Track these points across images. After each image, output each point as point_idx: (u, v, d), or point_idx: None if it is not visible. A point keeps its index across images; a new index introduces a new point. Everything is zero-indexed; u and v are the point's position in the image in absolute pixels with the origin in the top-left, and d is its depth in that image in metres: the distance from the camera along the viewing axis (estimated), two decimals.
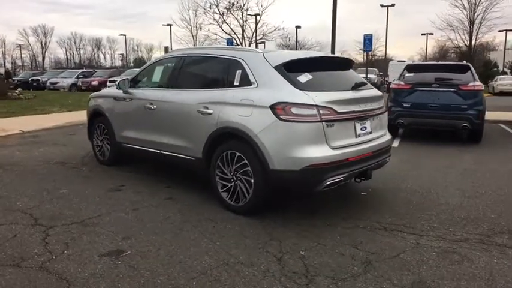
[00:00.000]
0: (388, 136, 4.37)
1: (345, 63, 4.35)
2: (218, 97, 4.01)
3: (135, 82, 5.21)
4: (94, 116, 5.91)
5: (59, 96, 19.72)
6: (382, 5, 32.57)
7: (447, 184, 5.04)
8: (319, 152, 3.46)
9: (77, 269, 2.81)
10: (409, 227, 3.65)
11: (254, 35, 26.22)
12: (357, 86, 4.06)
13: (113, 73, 28.24)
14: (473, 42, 33.49)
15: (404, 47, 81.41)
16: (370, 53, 57.49)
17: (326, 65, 4.13)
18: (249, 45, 25.24)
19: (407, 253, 3.13)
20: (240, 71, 3.96)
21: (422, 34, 50.06)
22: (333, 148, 3.55)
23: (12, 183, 4.88)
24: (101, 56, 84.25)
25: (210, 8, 25.09)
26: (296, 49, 40.18)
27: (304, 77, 3.68)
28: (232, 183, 3.91)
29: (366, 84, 4.31)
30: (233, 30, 25.52)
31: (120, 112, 5.34)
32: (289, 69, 3.73)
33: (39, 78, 29.86)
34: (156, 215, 3.86)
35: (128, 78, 5.21)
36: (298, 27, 38.81)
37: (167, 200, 4.31)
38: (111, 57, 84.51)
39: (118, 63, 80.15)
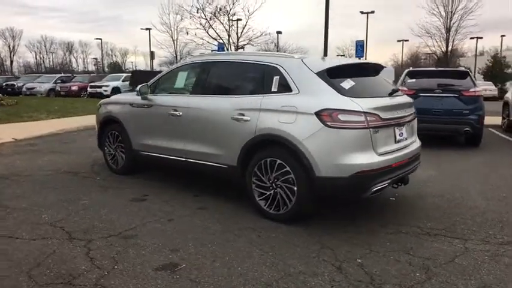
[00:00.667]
0: (419, 142, 4.42)
1: (377, 69, 4.38)
2: (255, 104, 3.94)
3: (153, 88, 5.08)
4: (106, 123, 5.71)
5: (41, 102, 18.99)
6: (362, 12, 33.34)
7: (468, 188, 5.15)
8: (367, 159, 3.46)
9: (136, 285, 2.68)
10: (450, 231, 3.69)
11: (239, 39, 26.25)
12: (392, 93, 4.10)
13: (93, 78, 27.55)
14: (449, 49, 34.83)
15: (381, 53, 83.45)
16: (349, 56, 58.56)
17: (362, 71, 4.14)
18: (236, 50, 25.26)
19: (460, 258, 3.15)
20: (278, 77, 3.92)
21: (398, 41, 51.61)
22: (379, 154, 3.55)
23: (28, 194, 4.63)
24: (73, 60, 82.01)
25: (197, 12, 24.96)
26: None
27: (347, 83, 3.68)
28: (272, 191, 3.85)
29: (398, 90, 4.36)
30: (219, 35, 25.49)
31: (138, 119, 5.18)
32: (331, 76, 3.72)
33: (14, 83, 28.73)
34: (194, 225, 3.75)
35: (147, 84, 5.06)
36: (279, 32, 39.07)
37: (200, 209, 4.19)
38: (84, 61, 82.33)
39: (91, 67, 78.25)
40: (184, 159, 4.62)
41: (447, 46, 34.65)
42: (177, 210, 4.16)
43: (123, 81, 25.14)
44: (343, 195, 3.79)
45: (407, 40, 49.70)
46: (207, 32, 25.31)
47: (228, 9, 25.07)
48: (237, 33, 26.27)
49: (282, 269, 2.93)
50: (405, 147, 3.98)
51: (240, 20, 26.49)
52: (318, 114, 3.50)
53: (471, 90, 7.76)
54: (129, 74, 26.11)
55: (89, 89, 24.99)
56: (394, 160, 3.68)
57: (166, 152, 4.82)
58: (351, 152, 3.44)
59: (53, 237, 3.44)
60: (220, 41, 25.20)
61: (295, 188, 3.65)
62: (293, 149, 3.61)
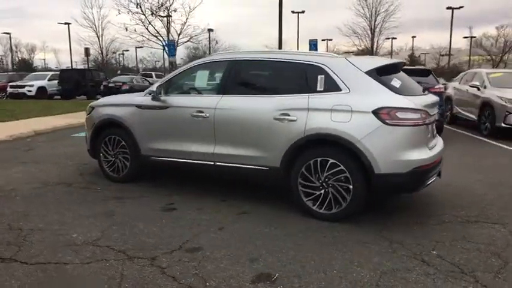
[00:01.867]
0: (442, 139, 4.67)
1: (402, 68, 4.54)
2: (301, 103, 3.88)
3: (165, 89, 4.72)
4: (102, 128, 5.18)
5: None
6: (293, 11, 34.41)
7: (472, 178, 5.58)
8: (423, 154, 3.61)
9: None
10: (485, 217, 4.00)
11: (179, 36, 25.39)
12: (424, 91, 4.31)
13: (13, 77, 24.71)
14: (374, 47, 37.61)
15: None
16: None
17: (398, 70, 4.27)
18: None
19: None
20: (323, 76, 3.89)
21: (322, 40, 54.34)
22: (430, 149, 3.73)
23: (35, 212, 4.03)
24: None
25: (137, 7, 23.58)
26: (209, 52, 40.11)
27: (396, 82, 3.79)
28: (322, 191, 3.83)
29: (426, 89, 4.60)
30: (158, 32, 24.40)
31: (149, 122, 4.78)
32: (380, 75, 3.81)
33: None
34: (251, 231, 3.58)
35: (161, 85, 4.69)
36: (210, 30, 38.66)
37: (242, 214, 4.02)
38: None
39: None
40: (213, 163, 4.38)
41: (372, 45, 37.41)
42: (218, 217, 3.93)
43: (49, 80, 22.97)
44: (400, 191, 3.90)
45: (331, 39, 52.75)
46: (147, 29, 24.17)
47: (168, 5, 24.13)
48: (178, 30, 25.42)
49: (373, 267, 2.94)
50: (438, 143, 4.21)
51: (170, 15, 25.62)
52: (376, 112, 3.57)
53: (436, 86, 8.47)
54: (57, 73, 23.93)
55: (9, 89, 22.38)
56: (438, 155, 3.89)
57: (187, 156, 4.53)
58: (409, 149, 3.56)
59: (108, 258, 3.05)
60: (160, 38, 24.25)
61: (351, 186, 3.68)
62: (350, 148, 3.63)
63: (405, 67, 4.76)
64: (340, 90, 3.79)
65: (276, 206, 4.21)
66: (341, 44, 42.49)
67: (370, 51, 36.31)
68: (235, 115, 4.20)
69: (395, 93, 3.67)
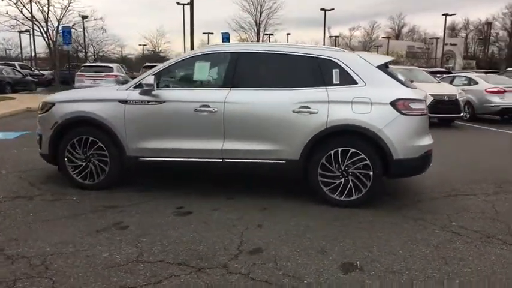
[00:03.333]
0: None
1: None
2: (321, 96, 3.96)
3: (156, 82, 4.23)
4: (69, 127, 4.41)
5: None
6: (178, 3, 33.46)
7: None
8: (429, 140, 4.08)
9: None
10: (459, 191, 4.72)
11: (60, 22, 22.23)
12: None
13: None
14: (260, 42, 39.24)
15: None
16: (158, 49, 57.72)
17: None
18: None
19: None
20: (337, 70, 4.04)
21: (203, 33, 54.38)
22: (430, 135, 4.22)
23: (23, 236, 3.25)
24: None
25: None
26: (84, 42, 36.43)
27: (401, 76, 4.16)
28: (342, 179, 4.01)
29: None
30: (34, 17, 20.89)
31: (137, 119, 4.25)
32: (387, 69, 4.12)
33: None
34: (288, 225, 3.55)
35: (153, 77, 4.20)
36: (84, 17, 35.05)
37: (264, 210, 3.93)
38: None
39: None
40: (221, 159, 4.16)
41: (258, 40, 38.87)
42: (245, 216, 3.76)
43: None
44: (413, 173, 4.27)
45: (212, 33, 53.26)
46: (21, 12, 20.53)
47: None
48: (58, 15, 22.20)
49: (424, 243, 3.23)
50: None
51: None
52: (393, 103, 3.88)
53: None
54: None
55: None
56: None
57: (189, 154, 4.20)
58: (420, 136, 3.99)
59: (175, 273, 2.70)
60: (36, 23, 20.89)
61: (371, 173, 3.94)
62: (371, 137, 3.88)
63: None
64: (356, 83, 4.01)
65: (288, 199, 4.24)
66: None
67: None
68: (249, 109, 4.06)
69: (404, 85, 4.06)
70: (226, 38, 14.21)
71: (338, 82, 4.03)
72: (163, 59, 61.66)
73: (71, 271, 2.70)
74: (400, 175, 4.22)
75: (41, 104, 4.73)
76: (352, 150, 3.94)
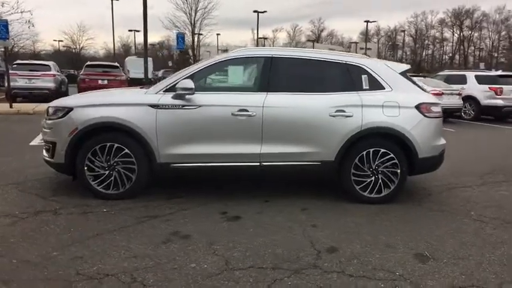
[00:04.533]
0: None
1: None
2: (355, 100, 4.22)
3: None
4: (91, 134, 4.10)
5: None
6: None
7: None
8: (443, 140, 4.56)
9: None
10: (457, 184, 5.32)
11: None
12: None
13: None
14: (195, 43, 38.68)
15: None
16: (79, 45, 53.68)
17: None
18: None
19: None
20: (366, 75, 4.33)
21: (129, 30, 52.13)
22: None
23: (80, 253, 3.01)
24: None
25: None
26: None
27: (419, 82, 4.57)
28: (373, 178, 4.31)
29: None
30: None
31: (171, 124, 4.11)
32: (407, 75, 4.51)
33: None
34: (340, 223, 3.76)
35: (190, 80, 4.08)
36: None
37: (305, 210, 4.08)
38: None
39: None
40: (258, 163, 4.21)
41: (193, 40, 38.33)
42: (292, 217, 3.89)
43: None
44: (430, 170, 4.68)
45: (138, 31, 51.42)
46: None
47: None
48: None
49: (465, 231, 3.66)
50: None
51: None
52: (418, 107, 4.28)
53: None
54: None
55: None
56: None
57: (226, 159, 4.19)
58: (438, 136, 4.45)
59: (275, 277, 2.74)
60: None
61: (399, 170, 4.31)
62: (400, 138, 4.24)
63: None
64: (384, 88, 4.34)
65: (319, 198, 4.44)
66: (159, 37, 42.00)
67: (191, 47, 37.29)
68: (287, 113, 4.17)
69: (423, 90, 4.49)
70: (181, 38, 13.77)
71: (368, 87, 4.33)
72: (85, 57, 57.77)
73: (172, 285, 2.61)
74: (421, 172, 4.65)
75: (51, 109, 4.32)
76: (382, 150, 4.27)
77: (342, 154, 4.24)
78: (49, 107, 4.40)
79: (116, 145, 4.13)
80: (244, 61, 4.40)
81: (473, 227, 3.78)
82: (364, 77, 4.35)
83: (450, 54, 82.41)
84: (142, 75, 28.64)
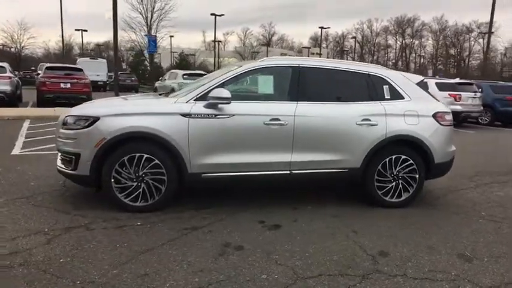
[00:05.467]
0: None
1: None
2: (379, 109, 4.42)
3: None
4: (119, 145, 3.94)
5: None
6: None
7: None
8: (454, 146, 4.88)
9: None
10: (457, 185, 5.72)
11: None
12: None
13: None
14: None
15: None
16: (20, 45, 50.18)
17: None
18: None
19: None
20: (387, 86, 4.55)
21: (76, 30, 49.95)
22: None
23: (149, 269, 2.90)
24: None
25: None
26: None
27: (431, 92, 4.86)
28: (394, 183, 4.53)
29: None
30: None
31: (203, 133, 4.05)
32: (422, 86, 4.79)
33: None
34: (379, 229, 3.92)
35: (225, 89, 4.04)
36: None
37: (335, 218, 4.20)
38: None
39: None
40: (289, 172, 4.27)
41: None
42: (325, 224, 4.00)
43: None
44: (443, 174, 4.97)
45: (86, 30, 49.75)
46: None
47: None
48: None
49: (489, 231, 3.97)
50: None
51: None
52: (434, 116, 4.58)
53: None
54: None
55: None
56: None
57: (258, 168, 4.20)
58: (450, 142, 4.77)
59: (349, 284, 2.82)
60: None
61: (417, 176, 4.57)
62: (419, 145, 4.50)
63: None
64: (403, 98, 4.59)
65: (344, 204, 4.60)
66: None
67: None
68: (317, 122, 4.28)
69: (437, 100, 4.80)
70: (152, 41, 13.24)
71: (389, 97, 4.56)
72: (27, 58, 54.02)
73: None
74: (435, 176, 4.95)
75: (70, 119, 4.09)
76: (403, 157, 4.51)
77: (367, 161, 4.42)
78: (68, 116, 4.15)
79: (146, 155, 4.00)
80: (272, 70, 4.44)
81: (492, 227, 4.12)
82: (385, 87, 4.58)
83: (394, 61, 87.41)
84: (97, 78, 27.73)
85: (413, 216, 4.34)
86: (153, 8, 35.24)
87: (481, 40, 75.39)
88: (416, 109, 4.56)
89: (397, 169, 4.53)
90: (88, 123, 3.98)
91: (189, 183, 4.18)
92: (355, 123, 4.36)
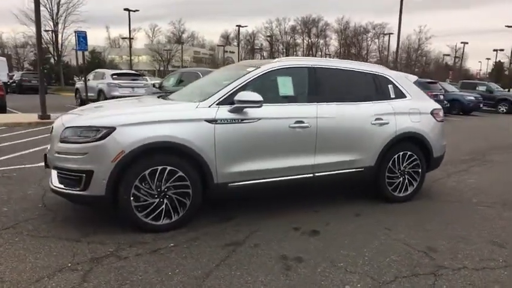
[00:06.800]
0: None
1: None
2: (388, 108, 4.55)
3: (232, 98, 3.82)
4: (140, 157, 3.45)
5: None
6: None
7: None
8: (445, 140, 5.24)
9: None
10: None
11: None
12: None
13: None
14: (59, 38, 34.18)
15: None
16: None
17: None
18: None
19: None
20: (392, 85, 4.71)
21: None
22: None
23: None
24: None
25: None
26: None
27: (424, 91, 5.15)
28: (401, 178, 4.72)
29: None
30: None
31: (232, 140, 3.75)
32: (418, 84, 5.05)
33: None
34: (413, 227, 4.04)
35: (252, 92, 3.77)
36: None
37: (357, 216, 4.24)
38: None
39: None
40: (312, 174, 4.18)
41: (56, 36, 33.51)
42: (358, 223, 4.02)
43: None
44: (437, 167, 5.25)
45: None
46: None
47: None
48: None
49: (500, 227, 4.35)
50: None
51: None
52: (432, 113, 4.87)
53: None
54: None
55: None
56: None
57: (282, 173, 4.04)
58: (443, 137, 5.11)
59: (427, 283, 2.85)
60: None
61: (420, 170, 4.82)
62: (422, 141, 4.75)
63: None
64: (405, 97, 4.79)
65: (354, 203, 4.67)
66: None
67: (54, 42, 32.71)
68: (338, 122, 4.26)
69: (430, 98, 5.11)
70: (82, 37, 11.64)
71: (394, 96, 4.72)
72: None
73: None
74: (432, 169, 5.25)
75: (74, 130, 3.48)
76: (409, 153, 4.72)
77: (380, 159, 4.54)
78: (71, 127, 3.53)
79: (169, 168, 3.58)
80: (290, 71, 4.27)
81: (491, 212, 4.52)
82: (390, 86, 4.74)
83: None
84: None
85: (423, 209, 4.56)
86: (59, 1, 31.96)
87: (376, 40, 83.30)
88: (417, 107, 4.81)
89: (404, 165, 4.73)
90: (101, 135, 3.42)
91: (214, 195, 3.85)
92: (370, 122, 4.44)
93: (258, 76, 4.07)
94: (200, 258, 3.15)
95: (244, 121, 3.83)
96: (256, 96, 3.74)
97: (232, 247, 3.38)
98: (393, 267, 3.10)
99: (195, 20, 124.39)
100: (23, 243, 3.32)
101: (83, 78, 15.83)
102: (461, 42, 58.09)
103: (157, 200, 3.60)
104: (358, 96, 4.54)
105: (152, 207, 3.59)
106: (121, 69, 32.40)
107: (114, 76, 15.38)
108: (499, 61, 68.18)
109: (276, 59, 4.34)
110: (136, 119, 3.54)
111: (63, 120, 3.76)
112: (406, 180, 4.78)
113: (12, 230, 3.60)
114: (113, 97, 14.87)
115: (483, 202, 4.91)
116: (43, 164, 4.07)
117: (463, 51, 62.80)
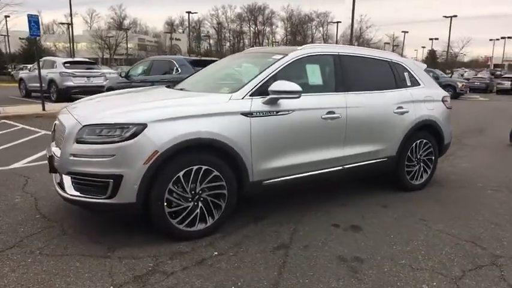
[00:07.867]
0: None
1: None
2: (407, 96, 4.47)
3: (264, 89, 3.50)
4: (173, 157, 3.04)
5: None
6: None
7: None
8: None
9: None
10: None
11: None
12: None
13: None
14: None
15: None
16: None
17: None
18: None
19: None
20: (407, 73, 4.63)
21: None
22: None
23: None
24: None
25: None
26: None
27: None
28: (417, 167, 4.71)
29: None
30: None
31: (267, 134, 3.44)
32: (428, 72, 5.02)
33: None
34: (444, 218, 4.01)
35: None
36: None
37: (384, 208, 4.15)
38: None
39: None
40: (341, 167, 4.00)
41: None
42: (392, 217, 3.92)
43: None
44: (444, 153, 5.29)
45: None
46: None
47: None
48: None
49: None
50: None
51: None
52: (443, 100, 4.88)
53: None
54: None
55: None
56: None
57: (314, 167, 3.82)
58: (450, 124, 5.15)
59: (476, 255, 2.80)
60: None
61: (433, 158, 4.83)
62: (436, 128, 4.75)
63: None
64: (419, 84, 4.75)
65: (375, 194, 4.58)
66: None
67: None
68: (365, 112, 4.10)
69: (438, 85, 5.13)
70: (34, 22, 10.24)
71: (410, 84, 4.66)
72: None
73: None
74: (441, 156, 5.28)
75: (93, 129, 2.98)
76: (425, 141, 4.71)
77: (401, 148, 4.47)
78: (91, 125, 3.01)
79: (204, 167, 3.21)
80: (317, 59, 4.00)
81: (500, 196, 4.66)
82: (406, 74, 4.66)
83: (249, 47, 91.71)
84: None
85: (443, 198, 4.53)
86: None
87: (321, 28, 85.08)
88: (431, 94, 4.80)
89: (420, 152, 4.72)
90: (130, 133, 2.95)
91: (248, 194, 3.54)
92: (393, 111, 4.35)
93: (288, 64, 3.77)
94: (256, 267, 2.86)
95: (280, 113, 3.54)
96: (294, 86, 3.45)
97: (282, 251, 3.11)
98: (454, 260, 3.03)
99: (136, 6, 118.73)
100: (40, 265, 2.81)
101: (28, 68, 14.36)
102: (402, 31, 61.01)
103: (191, 203, 3.23)
104: (381, 85, 4.42)
105: (187, 212, 3.21)
106: (58, 57, 29.99)
107: (66, 65, 14.08)
108: (432, 49, 73.08)
109: (301, 46, 4.06)
110: (169, 113, 3.11)
111: (76, 117, 3.22)
112: (422, 169, 4.79)
113: (18, 249, 3.05)
114: (67, 87, 13.69)
115: (488, 186, 5.05)
116: (13, 166, 3.49)
117: (404, 40, 66.21)
